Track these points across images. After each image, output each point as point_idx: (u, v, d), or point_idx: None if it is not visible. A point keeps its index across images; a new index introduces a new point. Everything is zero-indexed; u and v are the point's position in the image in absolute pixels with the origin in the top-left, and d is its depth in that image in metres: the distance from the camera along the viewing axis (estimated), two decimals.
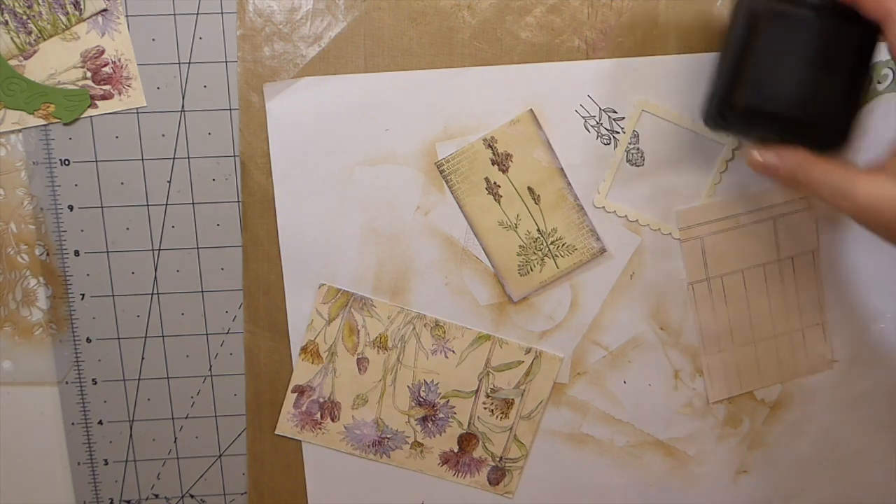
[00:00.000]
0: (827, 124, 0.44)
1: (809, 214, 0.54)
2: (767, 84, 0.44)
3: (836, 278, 0.55)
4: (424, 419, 0.56)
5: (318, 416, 0.56)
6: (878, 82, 0.52)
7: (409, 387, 0.56)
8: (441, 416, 0.56)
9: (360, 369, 0.55)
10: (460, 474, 0.57)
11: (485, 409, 0.56)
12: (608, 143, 0.52)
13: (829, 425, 0.58)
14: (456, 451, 0.57)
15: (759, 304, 0.55)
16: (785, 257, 0.54)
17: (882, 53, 0.51)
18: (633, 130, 0.52)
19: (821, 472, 0.59)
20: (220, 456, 0.57)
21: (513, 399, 0.56)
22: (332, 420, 0.56)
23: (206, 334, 0.55)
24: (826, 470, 0.59)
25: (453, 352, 0.55)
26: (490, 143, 0.52)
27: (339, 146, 0.52)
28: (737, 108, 0.45)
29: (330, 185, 0.52)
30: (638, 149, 0.52)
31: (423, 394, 0.56)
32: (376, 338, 0.55)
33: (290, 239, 0.53)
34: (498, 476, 0.57)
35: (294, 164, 0.52)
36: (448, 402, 0.56)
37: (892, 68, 0.52)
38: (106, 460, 0.57)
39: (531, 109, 0.51)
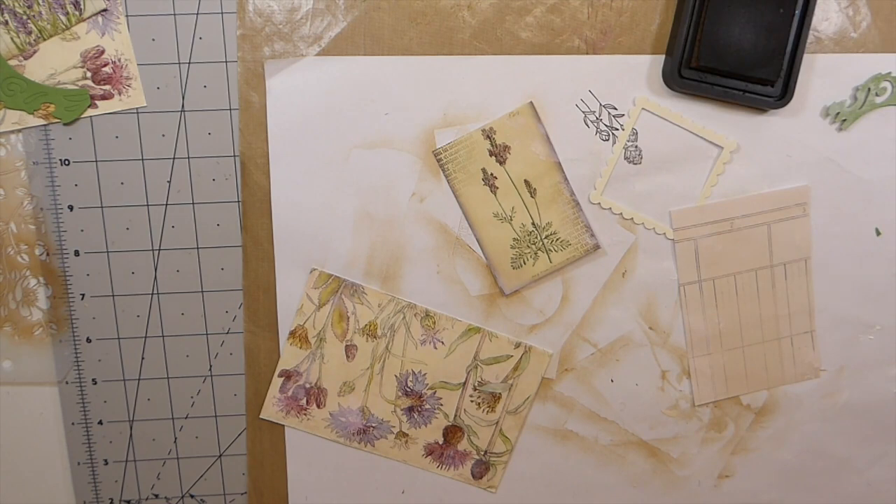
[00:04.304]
0: (775, 79, 0.50)
1: (804, 221, 0.54)
2: (721, 44, 0.49)
3: (828, 287, 0.55)
4: (410, 409, 0.56)
5: (304, 401, 0.56)
6: (877, 95, 0.52)
7: (396, 376, 0.55)
8: (427, 407, 0.56)
9: (348, 356, 0.55)
10: (444, 466, 0.57)
11: (471, 401, 0.56)
12: (607, 140, 0.52)
13: (814, 434, 0.58)
14: (441, 442, 0.57)
15: (750, 308, 0.55)
16: (777, 263, 0.55)
17: (882, 66, 0.52)
18: (633, 128, 0.52)
19: (803, 480, 0.59)
20: (220, 456, 0.57)
21: (500, 393, 0.56)
22: (318, 406, 0.56)
23: (206, 334, 0.55)
24: (808, 478, 0.59)
25: (442, 343, 0.55)
26: (489, 134, 0.52)
27: (338, 128, 0.52)
28: (693, 66, 0.50)
29: (326, 167, 0.52)
30: (636, 147, 0.52)
31: (410, 384, 0.56)
32: (366, 325, 0.54)
33: (284, 221, 0.53)
34: (482, 470, 0.57)
35: (291, 144, 0.52)
36: (435, 393, 0.56)
37: (890, 81, 0.52)
38: (106, 460, 0.57)
39: (531, 102, 0.51)
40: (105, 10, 0.50)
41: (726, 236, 0.54)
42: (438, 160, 0.52)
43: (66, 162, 0.52)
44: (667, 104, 0.52)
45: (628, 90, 0.52)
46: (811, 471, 0.59)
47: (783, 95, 0.51)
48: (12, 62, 0.50)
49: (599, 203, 0.53)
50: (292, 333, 0.55)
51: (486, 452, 0.57)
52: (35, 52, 0.50)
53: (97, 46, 0.51)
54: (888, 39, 0.52)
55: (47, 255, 0.54)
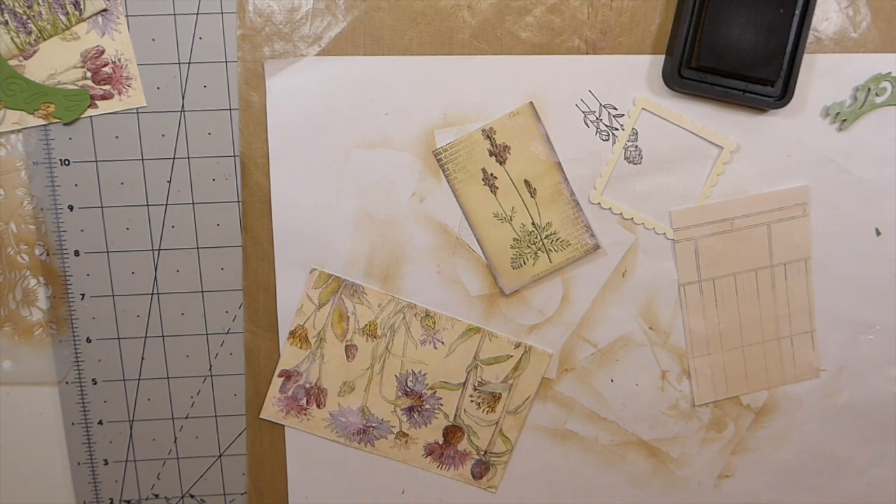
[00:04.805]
0: (775, 79, 0.50)
1: (804, 221, 0.54)
2: (721, 44, 0.49)
3: (828, 287, 0.55)
4: (410, 409, 0.56)
5: (304, 401, 0.56)
6: (877, 95, 0.52)
7: (396, 376, 0.55)
8: (427, 407, 0.56)
9: (348, 356, 0.55)
10: (444, 466, 0.57)
11: (471, 401, 0.56)
12: (607, 140, 0.52)
13: (813, 434, 0.58)
14: (441, 442, 0.57)
15: (750, 308, 0.55)
16: (777, 263, 0.55)
17: (882, 66, 0.52)
18: (633, 128, 0.52)
19: (803, 480, 0.59)
20: (220, 456, 0.57)
21: (500, 393, 0.56)
22: (318, 406, 0.56)
23: (206, 334, 0.55)
24: (808, 478, 0.59)
25: (442, 343, 0.55)
26: (489, 134, 0.52)
27: (338, 128, 0.52)
28: (693, 66, 0.50)
29: (326, 168, 0.52)
30: (636, 147, 0.52)
31: (410, 384, 0.56)
32: (366, 325, 0.54)
33: (284, 221, 0.53)
34: (482, 470, 0.57)
35: (291, 144, 0.52)
36: (435, 393, 0.56)
37: (890, 81, 0.52)
38: (106, 460, 0.57)
39: (531, 102, 0.52)
40: (105, 10, 0.50)
41: (726, 236, 0.54)
42: (438, 160, 0.52)
43: (66, 162, 0.52)
44: (667, 104, 0.52)
45: (628, 90, 0.52)
46: (811, 471, 0.59)
47: (783, 95, 0.51)
48: (12, 62, 0.50)
49: (599, 203, 0.53)
50: (292, 333, 0.55)
51: (486, 452, 0.57)
52: (35, 52, 0.50)
53: (97, 46, 0.51)
54: (888, 39, 0.52)
55: (47, 255, 0.54)
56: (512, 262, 0.54)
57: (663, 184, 0.53)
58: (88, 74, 0.51)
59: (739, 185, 0.53)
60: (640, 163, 0.53)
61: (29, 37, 0.50)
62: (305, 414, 0.56)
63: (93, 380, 0.55)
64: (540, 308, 0.55)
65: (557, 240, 0.53)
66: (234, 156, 0.53)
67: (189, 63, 0.51)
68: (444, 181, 0.53)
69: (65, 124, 0.52)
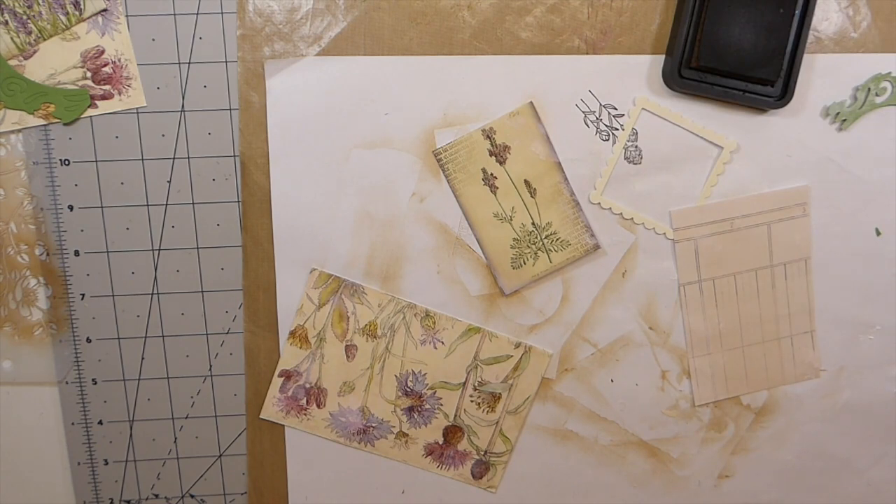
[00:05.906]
0: (775, 79, 0.50)
1: (804, 222, 0.54)
2: (721, 44, 0.49)
3: (828, 287, 0.55)
4: (410, 409, 0.56)
5: (304, 401, 0.56)
6: (877, 95, 0.52)
7: (396, 376, 0.55)
8: (427, 407, 0.56)
9: (348, 356, 0.55)
10: (444, 466, 0.57)
11: (471, 401, 0.56)
12: (607, 140, 0.52)
13: (813, 434, 0.58)
14: (441, 442, 0.57)
15: (750, 308, 0.55)
16: (777, 263, 0.55)
17: (882, 66, 0.52)
18: (633, 128, 0.52)
19: (803, 480, 0.59)
20: (220, 456, 0.57)
21: (500, 393, 0.56)
22: (318, 406, 0.56)
23: (206, 334, 0.55)
24: (808, 478, 0.59)
25: (442, 343, 0.55)
26: (489, 134, 0.52)
27: (338, 128, 0.52)
28: (693, 66, 0.50)
29: (326, 168, 0.52)
30: (636, 147, 0.52)
31: (410, 384, 0.56)
32: (366, 325, 0.54)
33: (284, 221, 0.53)
34: (482, 470, 0.57)
35: (291, 144, 0.52)
36: (435, 393, 0.56)
37: (890, 81, 0.52)
38: (106, 460, 0.57)
39: (531, 102, 0.52)
40: (105, 10, 0.50)
41: (726, 236, 0.54)
42: (438, 160, 0.52)
43: (66, 162, 0.52)
44: (667, 104, 0.52)
45: (628, 90, 0.52)
46: (811, 471, 0.59)
47: (783, 95, 0.51)
48: (12, 62, 0.50)
49: (599, 203, 0.53)
50: (292, 333, 0.55)
51: (486, 452, 0.57)
52: (35, 52, 0.50)
53: (97, 46, 0.51)
54: (888, 39, 0.52)
55: (47, 255, 0.54)
56: (512, 262, 0.54)
57: (663, 184, 0.53)
58: (88, 74, 0.51)
59: (739, 185, 0.53)
60: (640, 163, 0.53)
61: (29, 37, 0.50)
62: (305, 414, 0.56)
63: (93, 380, 0.55)
64: (540, 308, 0.55)
65: (557, 240, 0.53)
66: (234, 156, 0.53)
67: (189, 63, 0.51)
68: (444, 181, 0.53)
69: (65, 124, 0.52)
